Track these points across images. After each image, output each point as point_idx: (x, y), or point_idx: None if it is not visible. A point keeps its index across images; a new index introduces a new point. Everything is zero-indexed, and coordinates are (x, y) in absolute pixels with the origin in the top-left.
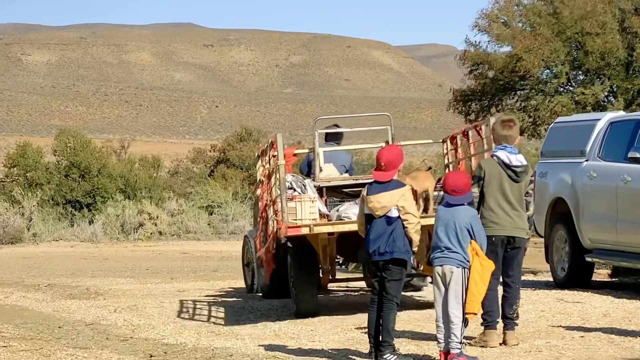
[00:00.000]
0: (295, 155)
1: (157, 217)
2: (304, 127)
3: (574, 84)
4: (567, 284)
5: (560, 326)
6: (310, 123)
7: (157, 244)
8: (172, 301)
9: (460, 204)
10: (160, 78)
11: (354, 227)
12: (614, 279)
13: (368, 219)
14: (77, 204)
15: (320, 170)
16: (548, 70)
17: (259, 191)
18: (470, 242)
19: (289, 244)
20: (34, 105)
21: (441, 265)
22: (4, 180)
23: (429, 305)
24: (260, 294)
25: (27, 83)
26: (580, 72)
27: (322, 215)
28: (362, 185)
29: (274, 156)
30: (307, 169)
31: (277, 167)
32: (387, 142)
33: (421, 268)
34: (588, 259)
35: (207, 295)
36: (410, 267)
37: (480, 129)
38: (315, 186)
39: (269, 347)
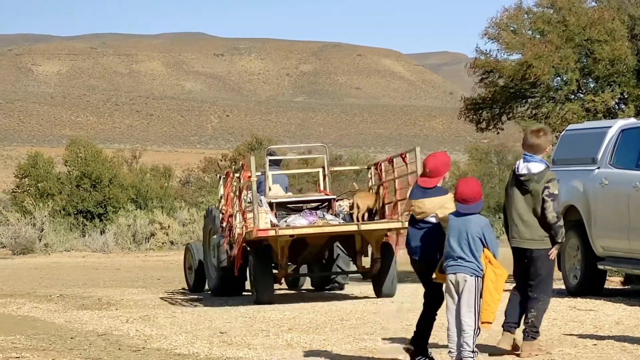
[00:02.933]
0: (249, 177)
1: (169, 227)
2: (314, 135)
3: (584, 91)
4: (579, 292)
5: (573, 334)
6: (322, 131)
7: (169, 254)
8: (184, 311)
9: (470, 213)
10: (171, 87)
11: (308, 231)
12: (626, 287)
13: (411, 220)
14: (89, 214)
15: (269, 189)
16: (558, 78)
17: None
18: (483, 251)
19: (248, 247)
20: (44, 115)
21: (455, 274)
22: (15, 190)
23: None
24: (209, 293)
25: (38, 93)
26: (590, 79)
27: (273, 225)
28: (302, 202)
29: (248, 176)
30: (258, 188)
31: (251, 183)
32: (323, 168)
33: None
34: (600, 267)
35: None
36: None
37: (405, 156)
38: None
39: (282, 357)
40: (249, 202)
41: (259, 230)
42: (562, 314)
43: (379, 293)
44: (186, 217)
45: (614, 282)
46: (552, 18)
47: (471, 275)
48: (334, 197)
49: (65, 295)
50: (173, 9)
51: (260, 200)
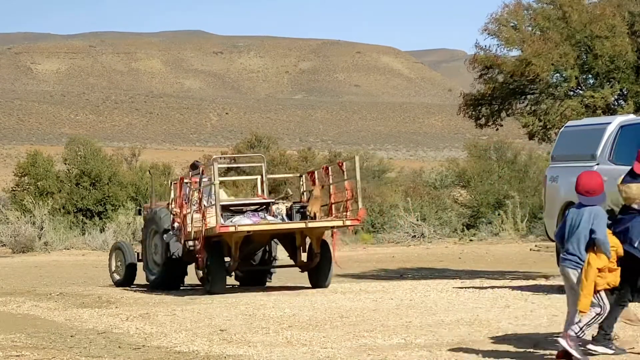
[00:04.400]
0: (197, 182)
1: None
2: (314, 133)
3: (583, 87)
4: None
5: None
6: (321, 129)
7: None
8: (183, 309)
9: (592, 204)
10: (170, 85)
11: (263, 228)
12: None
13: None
14: (88, 212)
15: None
16: (558, 74)
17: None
18: (592, 243)
19: (196, 243)
20: (44, 113)
21: (567, 267)
22: (15, 189)
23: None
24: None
25: (37, 92)
26: (590, 76)
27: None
28: (243, 205)
29: (195, 181)
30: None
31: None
32: (261, 175)
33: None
34: None
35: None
36: None
37: (342, 164)
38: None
39: (282, 354)
40: (205, 204)
41: (221, 227)
42: (562, 311)
43: (315, 284)
44: None
45: None
46: (552, 14)
47: (575, 268)
48: (272, 200)
49: (65, 293)
50: (172, 6)
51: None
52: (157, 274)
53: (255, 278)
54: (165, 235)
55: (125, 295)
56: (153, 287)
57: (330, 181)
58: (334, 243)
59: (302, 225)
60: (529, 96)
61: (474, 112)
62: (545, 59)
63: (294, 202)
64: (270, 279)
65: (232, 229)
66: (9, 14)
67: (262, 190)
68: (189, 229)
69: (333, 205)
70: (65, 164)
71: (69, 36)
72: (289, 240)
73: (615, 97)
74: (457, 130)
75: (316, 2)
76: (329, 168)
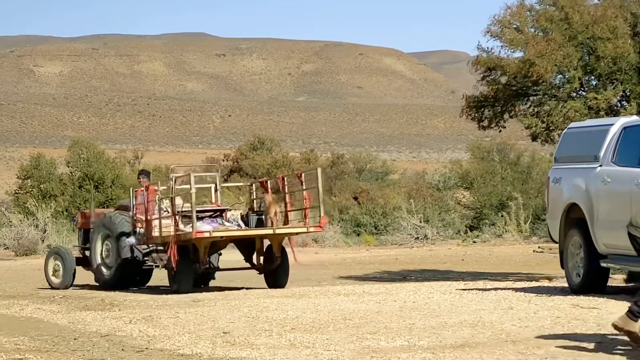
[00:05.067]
0: (156, 190)
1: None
2: (317, 135)
3: (586, 89)
4: (582, 290)
5: (576, 332)
6: (324, 131)
7: None
8: (187, 311)
9: None
10: (173, 88)
11: (235, 234)
12: (629, 284)
13: None
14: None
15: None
16: (561, 76)
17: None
18: None
19: (161, 247)
20: (46, 116)
21: None
22: (18, 192)
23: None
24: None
25: (40, 94)
26: (592, 77)
27: (179, 229)
28: (200, 211)
29: (154, 190)
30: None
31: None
32: (215, 184)
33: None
34: (603, 265)
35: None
36: None
37: (301, 175)
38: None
39: (285, 357)
40: (164, 210)
41: (197, 232)
42: (566, 312)
43: (273, 285)
44: None
45: (617, 279)
46: (555, 15)
47: None
48: (227, 207)
49: (68, 296)
50: (174, 9)
51: (168, 210)
52: (110, 275)
53: (200, 279)
54: (124, 239)
55: (128, 298)
56: (105, 286)
57: (286, 190)
58: (292, 246)
59: (270, 231)
60: (531, 98)
61: (476, 114)
62: (548, 60)
63: (250, 209)
64: (215, 278)
65: (207, 234)
66: (11, 17)
67: (216, 199)
68: (155, 234)
69: (290, 213)
70: (68, 166)
71: (71, 39)
72: (246, 244)
73: (618, 98)
74: (460, 131)
75: (318, 4)
76: (284, 178)
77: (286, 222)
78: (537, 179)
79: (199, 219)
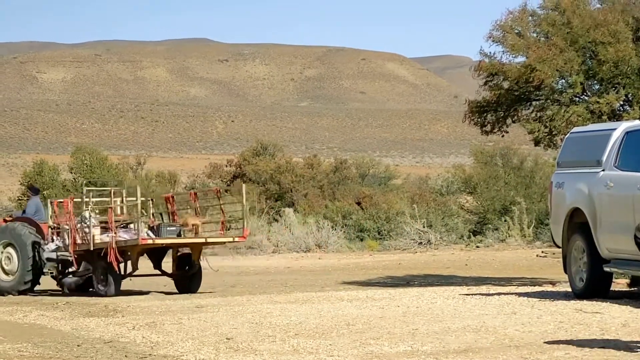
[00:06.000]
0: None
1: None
2: (320, 140)
3: (589, 93)
4: (585, 295)
5: (579, 337)
6: (327, 136)
7: None
8: (190, 317)
9: None
10: (176, 94)
11: (174, 242)
12: (632, 289)
13: None
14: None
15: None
16: (563, 80)
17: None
18: None
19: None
20: (49, 122)
21: None
22: (21, 198)
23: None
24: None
25: (43, 101)
26: (595, 82)
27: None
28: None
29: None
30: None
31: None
32: (121, 198)
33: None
34: (606, 269)
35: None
36: None
37: (219, 191)
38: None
39: None
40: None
41: (142, 239)
42: (569, 317)
43: (187, 290)
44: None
45: (620, 284)
46: (557, 20)
47: None
48: (131, 221)
49: (72, 302)
50: (177, 15)
51: (91, 219)
52: (32, 280)
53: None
54: (52, 245)
55: (131, 304)
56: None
57: (197, 205)
58: (203, 255)
59: (202, 240)
60: (534, 103)
61: (479, 119)
62: (549, 65)
63: (163, 222)
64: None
65: (150, 242)
66: (14, 23)
67: (122, 211)
68: (79, 241)
69: (203, 225)
70: (71, 172)
71: (74, 45)
72: (157, 252)
73: (621, 102)
74: (463, 136)
75: (321, 10)
76: (196, 193)
77: (196, 233)
78: (540, 183)
79: (105, 229)
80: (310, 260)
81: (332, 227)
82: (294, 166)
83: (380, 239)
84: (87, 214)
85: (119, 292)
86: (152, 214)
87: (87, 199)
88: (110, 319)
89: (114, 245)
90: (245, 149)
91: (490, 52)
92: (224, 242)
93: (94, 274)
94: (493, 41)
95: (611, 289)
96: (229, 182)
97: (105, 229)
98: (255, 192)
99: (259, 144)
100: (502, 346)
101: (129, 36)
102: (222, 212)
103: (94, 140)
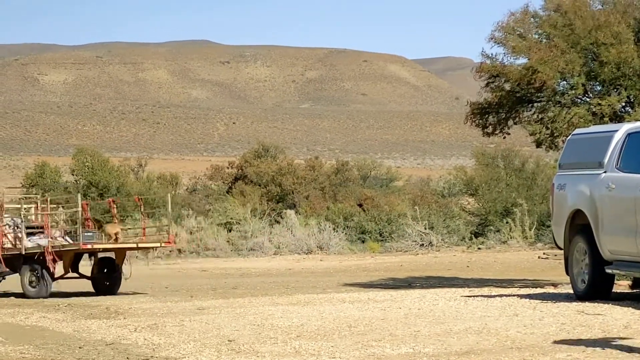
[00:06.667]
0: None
1: (176, 235)
2: (321, 142)
3: (590, 95)
4: (587, 296)
5: (581, 339)
6: (328, 138)
7: (176, 262)
8: (192, 319)
9: None
10: (177, 95)
11: (111, 246)
12: (634, 290)
13: None
14: (96, 222)
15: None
16: (564, 82)
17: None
18: None
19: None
20: (51, 124)
21: None
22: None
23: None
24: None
25: (44, 103)
26: (596, 83)
27: (19, 242)
28: (30, 227)
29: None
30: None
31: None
32: (36, 204)
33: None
34: (608, 271)
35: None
36: None
37: (113, 201)
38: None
39: None
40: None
41: (83, 244)
42: (571, 319)
43: (107, 292)
44: (193, 225)
45: (622, 286)
46: (559, 22)
47: None
48: (43, 225)
49: (73, 304)
50: (178, 16)
51: (17, 225)
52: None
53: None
54: None
55: (133, 306)
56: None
57: (115, 212)
58: (127, 259)
59: (134, 245)
60: (535, 104)
61: (481, 121)
62: (551, 67)
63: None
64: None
65: (89, 246)
66: (15, 25)
67: (36, 217)
68: (8, 245)
69: (122, 232)
70: (73, 174)
71: (75, 47)
72: (78, 256)
73: (622, 104)
74: (464, 138)
75: (322, 11)
76: (114, 201)
77: (110, 238)
78: (542, 185)
79: (32, 234)
80: (311, 262)
81: (334, 229)
82: (296, 168)
83: (382, 240)
84: (18, 220)
85: (49, 294)
86: (63, 221)
87: (20, 206)
88: (112, 321)
89: (50, 249)
90: (247, 150)
91: (491, 54)
92: (154, 247)
93: (22, 276)
94: (495, 42)
95: (613, 290)
96: (231, 184)
97: (30, 234)
98: (257, 194)
99: (260, 146)
100: (504, 348)
101: (130, 38)
102: (143, 218)
103: (96, 142)
